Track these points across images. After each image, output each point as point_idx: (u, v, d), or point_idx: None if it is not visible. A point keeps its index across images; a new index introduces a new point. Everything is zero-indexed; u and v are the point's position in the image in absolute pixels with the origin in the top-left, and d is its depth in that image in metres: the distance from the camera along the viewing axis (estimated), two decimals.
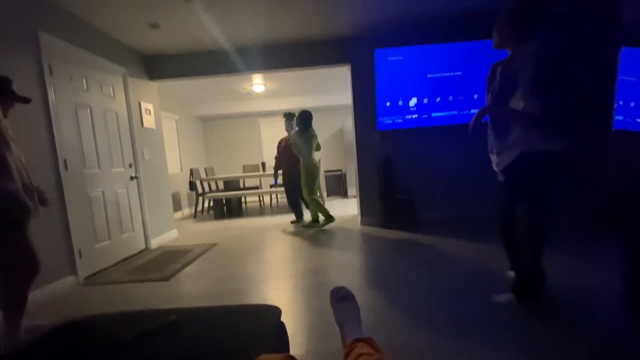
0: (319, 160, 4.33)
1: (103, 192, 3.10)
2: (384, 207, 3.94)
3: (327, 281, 2.38)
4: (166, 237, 4.11)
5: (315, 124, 4.94)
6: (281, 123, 7.89)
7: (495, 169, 1.83)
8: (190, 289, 2.43)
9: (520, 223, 1.76)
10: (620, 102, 3.55)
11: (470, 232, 3.40)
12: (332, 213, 4.64)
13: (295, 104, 7.17)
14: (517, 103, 1.59)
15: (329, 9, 3.21)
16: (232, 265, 2.91)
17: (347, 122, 6.98)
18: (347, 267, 2.68)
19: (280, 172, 4.83)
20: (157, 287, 2.50)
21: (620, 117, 3.59)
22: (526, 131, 1.61)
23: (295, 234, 4.04)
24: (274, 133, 7.87)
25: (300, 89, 6.46)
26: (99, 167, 3.08)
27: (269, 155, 7.73)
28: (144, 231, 3.70)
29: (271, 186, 6.37)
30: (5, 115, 1.72)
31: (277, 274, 2.62)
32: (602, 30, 3.46)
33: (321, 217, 4.60)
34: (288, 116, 4.49)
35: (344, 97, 6.69)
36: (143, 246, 3.66)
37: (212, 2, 2.88)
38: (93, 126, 3.05)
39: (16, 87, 1.79)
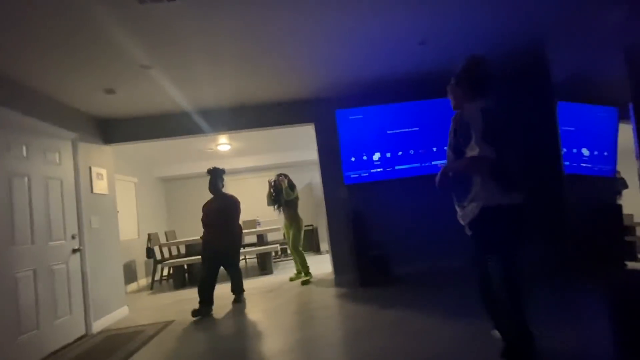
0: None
1: (34, 271, 2.67)
2: (357, 264, 3.74)
3: None
4: (114, 316, 3.56)
5: None
6: (249, 181, 7.77)
7: (461, 222, 1.80)
8: None
9: (494, 281, 1.70)
10: (564, 150, 3.88)
11: (447, 286, 3.27)
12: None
13: (262, 161, 7.15)
14: (472, 152, 1.61)
15: (291, 74, 3.33)
16: (187, 349, 2.50)
17: (315, 177, 6.97)
18: (320, 339, 2.38)
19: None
20: None
21: (567, 163, 3.90)
22: (485, 186, 1.65)
23: (263, 301, 3.67)
24: (240, 191, 7.60)
25: (267, 146, 6.49)
26: (32, 242, 2.69)
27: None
28: (85, 313, 3.18)
29: None
30: None
31: (240, 355, 2.26)
32: (538, 88, 3.89)
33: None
34: (217, 172, 3.91)
35: (310, 152, 6.76)
36: (83, 331, 3.11)
37: (171, 66, 2.86)
38: (30, 197, 2.73)
39: None
